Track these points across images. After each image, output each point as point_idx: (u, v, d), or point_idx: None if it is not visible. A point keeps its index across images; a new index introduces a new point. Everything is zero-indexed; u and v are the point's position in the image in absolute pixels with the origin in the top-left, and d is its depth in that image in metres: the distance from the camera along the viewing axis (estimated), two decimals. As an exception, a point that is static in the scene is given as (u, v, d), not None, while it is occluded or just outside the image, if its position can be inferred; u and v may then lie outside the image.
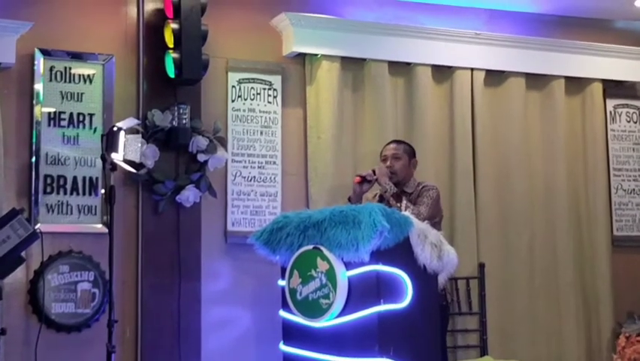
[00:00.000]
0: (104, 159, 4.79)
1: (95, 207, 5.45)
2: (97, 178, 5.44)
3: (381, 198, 5.39)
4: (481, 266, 6.11)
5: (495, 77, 6.53)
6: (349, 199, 5.37)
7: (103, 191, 5.40)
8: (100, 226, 5.39)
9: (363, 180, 5.35)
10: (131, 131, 4.98)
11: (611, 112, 6.92)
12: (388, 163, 5.47)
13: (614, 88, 6.92)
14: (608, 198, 6.79)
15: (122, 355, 5.30)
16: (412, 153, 5.57)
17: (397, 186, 5.38)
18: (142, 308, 5.44)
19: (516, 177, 6.49)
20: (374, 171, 5.37)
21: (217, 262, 5.70)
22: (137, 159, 5.05)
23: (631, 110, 6.99)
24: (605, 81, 6.85)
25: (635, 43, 6.94)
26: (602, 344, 6.55)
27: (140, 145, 5.07)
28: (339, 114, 6.04)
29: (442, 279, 4.93)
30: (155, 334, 5.42)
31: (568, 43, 6.68)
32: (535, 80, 6.66)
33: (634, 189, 6.91)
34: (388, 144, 5.63)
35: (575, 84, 6.78)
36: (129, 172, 5.31)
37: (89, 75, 5.53)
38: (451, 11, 6.47)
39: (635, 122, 6.99)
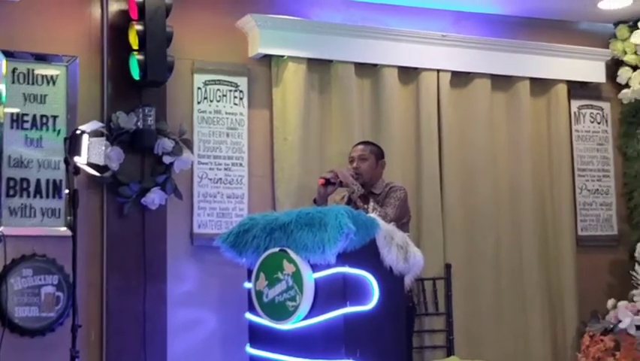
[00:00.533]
0: (67, 162, 4.74)
1: (59, 210, 5.40)
2: (61, 181, 5.39)
3: (349, 200, 5.39)
4: (448, 267, 6.13)
5: (461, 78, 6.56)
6: (314, 201, 5.36)
7: (67, 192, 5.34)
8: (64, 228, 5.34)
9: (327, 182, 5.34)
10: (94, 134, 4.94)
11: (575, 113, 6.98)
12: (355, 165, 5.47)
13: (578, 89, 6.98)
14: (572, 198, 6.85)
15: (87, 358, 5.26)
16: (379, 154, 5.56)
17: (364, 187, 5.38)
18: (107, 311, 5.40)
19: (482, 178, 6.52)
20: (336, 174, 5.34)
21: (183, 264, 5.67)
22: (100, 162, 5.02)
23: (595, 111, 7.05)
24: (569, 82, 6.91)
25: (599, 44, 7.01)
26: (567, 343, 6.61)
27: (103, 148, 5.03)
28: (306, 116, 6.03)
29: (408, 280, 4.95)
30: (120, 337, 5.38)
31: (533, 45, 6.73)
32: (501, 82, 6.69)
33: (598, 189, 6.97)
34: (356, 145, 5.62)
35: (540, 85, 6.83)
36: (94, 175, 5.26)
37: (52, 77, 5.48)
38: (417, 13, 6.49)
39: (599, 123, 7.05)
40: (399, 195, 5.36)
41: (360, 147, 5.57)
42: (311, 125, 6.07)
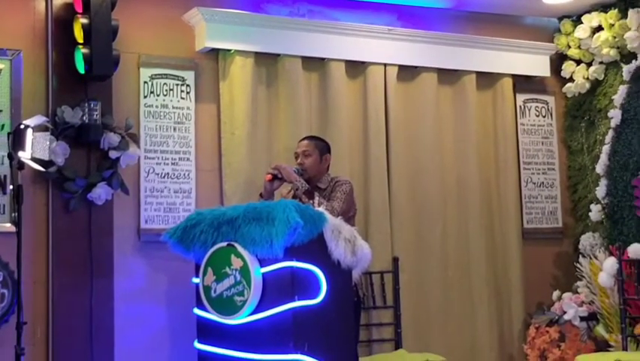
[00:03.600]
0: (10, 157, 4.68)
1: (4, 205, 5.32)
2: (5, 176, 5.31)
3: (294, 196, 5.38)
4: (395, 260, 6.17)
5: (408, 72, 6.58)
6: (261, 195, 5.35)
7: (11, 187, 5.26)
8: (8, 225, 5.26)
9: (274, 177, 5.32)
10: (39, 128, 4.88)
11: (520, 106, 7.05)
12: (299, 160, 5.45)
13: (523, 83, 7.05)
14: (518, 191, 6.92)
15: (33, 356, 5.19)
16: (324, 149, 5.55)
17: (309, 182, 5.37)
18: (53, 308, 5.34)
19: (429, 171, 6.56)
20: (278, 170, 5.31)
21: (130, 259, 5.62)
22: (45, 157, 4.95)
23: (540, 105, 7.13)
24: (514, 76, 6.98)
25: (544, 39, 7.09)
26: (513, 335, 6.68)
27: (48, 143, 4.96)
28: (253, 110, 6.02)
29: (356, 274, 4.97)
30: (66, 333, 5.33)
31: (478, 39, 6.78)
32: (447, 75, 6.74)
33: (543, 182, 7.05)
34: (301, 140, 5.60)
35: (486, 79, 6.89)
36: (39, 170, 5.20)
37: (-4, 72, 5.41)
38: (364, 7, 6.51)
39: (544, 117, 7.13)
40: (344, 188, 5.36)
41: (305, 142, 5.55)
42: (258, 119, 6.06)
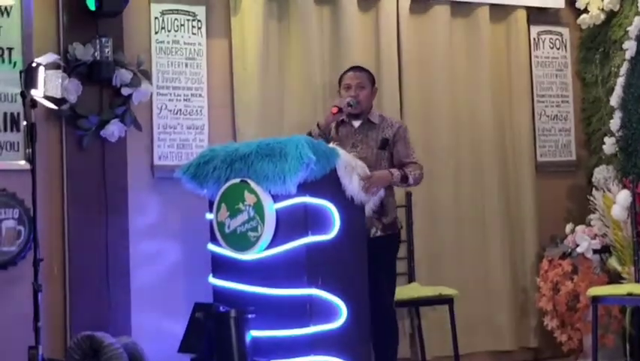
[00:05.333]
0: (23, 96, 4.67)
1: (18, 143, 5.34)
2: (18, 114, 5.30)
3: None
4: (408, 195, 6.17)
5: (420, 4, 6.51)
6: (318, 126, 5.25)
7: (25, 124, 5.26)
8: (23, 162, 5.25)
9: (339, 110, 5.21)
10: (51, 66, 4.86)
11: (534, 39, 6.97)
12: (352, 92, 5.28)
13: (537, 14, 6.96)
14: (531, 124, 6.88)
15: (50, 293, 5.23)
16: (373, 81, 5.43)
17: (360, 116, 5.28)
18: (69, 244, 5.38)
19: (442, 106, 6.53)
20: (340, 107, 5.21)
21: (144, 196, 5.64)
22: (58, 95, 4.93)
23: (554, 37, 7.05)
24: (528, 8, 6.89)
25: (559, -31, 6.99)
26: (526, 268, 6.70)
27: (60, 80, 4.95)
28: (265, 45, 5.98)
29: (368, 209, 4.99)
30: (82, 270, 5.38)
31: (492, -30, 6.70)
32: (460, 8, 6.66)
33: (557, 115, 7.01)
34: (348, 71, 5.44)
35: (500, 11, 6.80)
36: (51, 108, 5.21)
37: (6, 8, 5.35)
38: (376, -61, 6.42)
39: (559, 49, 7.06)
40: (408, 137, 5.34)
41: (357, 73, 5.38)
42: (270, 54, 6.02)
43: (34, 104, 4.67)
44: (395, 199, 5.39)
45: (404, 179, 5.17)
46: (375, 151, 5.24)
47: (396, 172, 5.13)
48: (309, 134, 5.21)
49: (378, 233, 5.18)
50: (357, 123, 5.32)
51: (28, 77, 4.63)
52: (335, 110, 5.21)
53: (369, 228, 5.12)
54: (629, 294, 5.42)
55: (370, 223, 5.12)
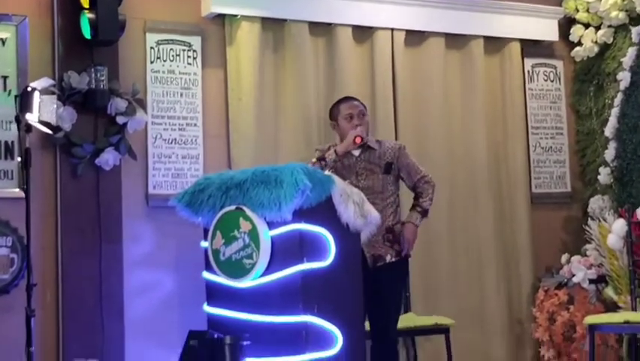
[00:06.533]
0: (18, 120, 4.66)
1: (12, 171, 5.33)
2: (13, 142, 5.32)
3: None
4: (403, 225, 6.12)
5: (415, 37, 6.55)
6: (336, 152, 5.20)
7: (19, 159, 5.25)
8: (17, 190, 5.25)
9: (362, 140, 5.21)
10: (46, 92, 4.87)
11: (529, 71, 7.01)
12: (356, 122, 5.29)
13: (531, 47, 7.01)
14: (526, 156, 6.90)
15: (43, 320, 5.21)
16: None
17: (364, 143, 5.28)
18: (62, 273, 5.35)
19: (437, 137, 6.55)
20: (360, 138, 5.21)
21: (139, 225, 5.63)
22: (53, 121, 4.94)
23: (548, 70, 7.09)
24: (522, 41, 6.93)
25: (552, 2, 7.03)
26: (522, 298, 6.68)
27: (55, 106, 4.96)
28: (260, 75, 6.00)
29: (364, 237, 4.97)
30: (76, 298, 5.34)
31: (486, 3, 6.73)
32: (455, 40, 6.70)
33: (551, 147, 7.03)
34: (348, 100, 5.44)
35: (494, 44, 6.85)
36: (46, 135, 5.20)
37: (1, 38, 5.38)
38: (370, -29, 6.46)
39: (552, 81, 7.10)
40: (409, 152, 5.43)
41: (357, 102, 5.42)
42: (265, 85, 6.04)
43: (28, 128, 4.65)
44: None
45: (425, 214, 5.33)
46: (381, 177, 5.26)
47: (417, 217, 5.32)
48: (322, 158, 5.19)
49: (393, 259, 5.24)
50: (357, 152, 5.31)
51: (24, 102, 4.62)
52: (359, 140, 5.21)
53: (384, 255, 5.21)
54: (626, 322, 5.39)
55: (385, 251, 5.20)
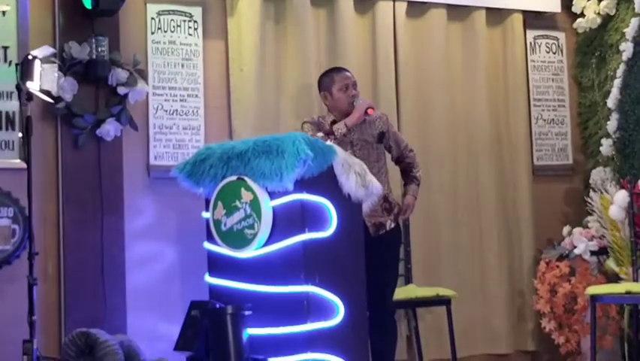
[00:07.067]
0: (19, 88, 4.65)
1: (13, 142, 5.32)
2: (14, 113, 5.30)
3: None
4: (404, 197, 6.12)
5: (417, 8, 6.51)
6: (346, 125, 5.19)
7: (20, 134, 5.25)
8: (18, 161, 5.25)
9: (374, 111, 5.26)
10: (47, 60, 4.85)
11: (531, 43, 6.98)
12: (351, 92, 5.29)
13: (533, 19, 6.96)
14: (528, 128, 6.88)
15: (45, 291, 5.22)
16: None
17: (349, 115, 5.26)
18: (64, 244, 5.35)
19: (438, 109, 6.52)
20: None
21: (140, 196, 5.63)
22: (53, 90, 4.93)
23: (550, 41, 7.06)
24: (525, 12, 6.89)
25: (557, -27, 7.00)
26: (523, 270, 6.68)
27: (56, 75, 4.94)
28: (262, 46, 5.98)
29: (365, 207, 4.96)
30: (78, 269, 5.35)
31: (489, -26, 6.70)
32: (457, 11, 6.66)
33: (553, 119, 7.00)
34: (342, 71, 5.41)
35: (496, 15, 6.81)
36: (47, 106, 5.20)
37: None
38: (372, -59, 6.43)
39: (555, 53, 7.06)
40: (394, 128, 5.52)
41: (349, 73, 5.38)
42: (267, 56, 6.02)
43: (29, 97, 4.63)
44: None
45: (418, 184, 5.46)
46: (375, 146, 5.28)
47: (416, 190, 5.45)
48: (331, 132, 5.16)
49: (393, 225, 5.30)
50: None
51: (24, 70, 4.61)
52: (372, 111, 5.24)
53: (384, 222, 5.24)
54: (628, 292, 5.38)
55: (385, 218, 5.24)
